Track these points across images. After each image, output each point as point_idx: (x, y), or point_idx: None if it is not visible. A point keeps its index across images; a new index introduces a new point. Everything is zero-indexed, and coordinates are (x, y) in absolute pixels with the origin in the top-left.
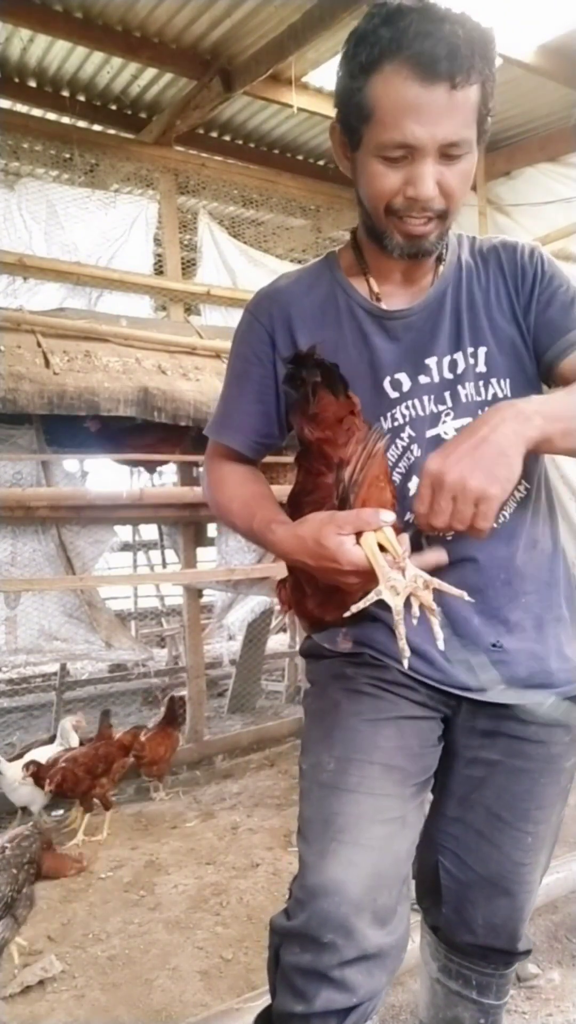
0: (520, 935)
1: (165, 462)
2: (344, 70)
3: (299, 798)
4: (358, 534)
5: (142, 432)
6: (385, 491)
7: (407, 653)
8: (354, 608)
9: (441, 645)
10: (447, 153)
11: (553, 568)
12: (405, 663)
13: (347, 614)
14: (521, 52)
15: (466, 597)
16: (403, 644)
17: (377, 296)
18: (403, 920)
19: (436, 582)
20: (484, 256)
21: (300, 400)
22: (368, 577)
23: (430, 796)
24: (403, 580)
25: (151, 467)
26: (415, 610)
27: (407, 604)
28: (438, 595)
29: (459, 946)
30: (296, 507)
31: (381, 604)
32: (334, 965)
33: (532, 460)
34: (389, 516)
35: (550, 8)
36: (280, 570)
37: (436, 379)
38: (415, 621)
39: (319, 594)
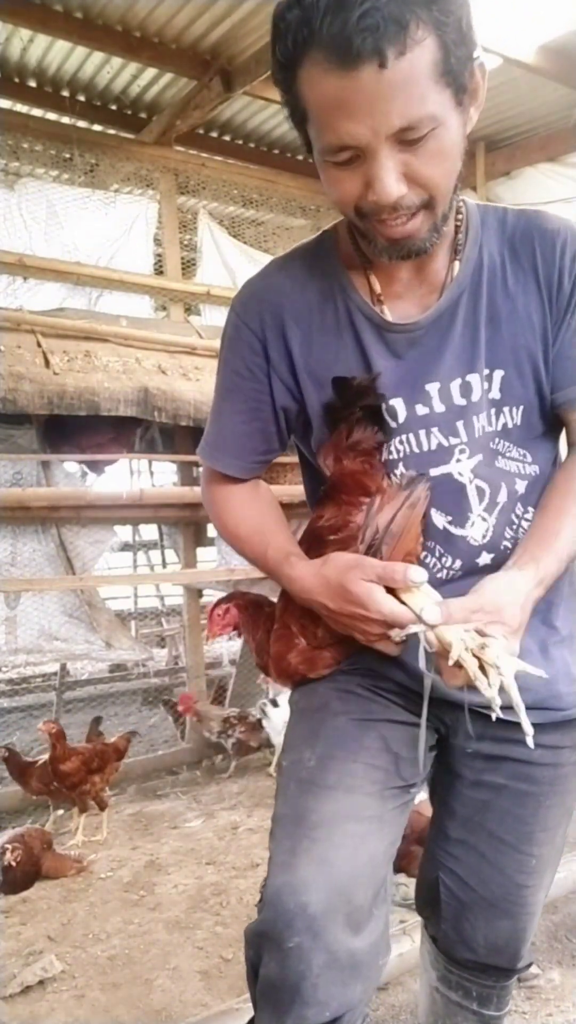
0: (522, 955)
1: (114, 461)
2: (271, 66)
3: (275, 796)
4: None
5: (92, 431)
6: (417, 548)
7: (499, 704)
8: (458, 681)
9: (495, 714)
10: (405, 139)
11: (558, 585)
12: (495, 715)
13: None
14: (521, 52)
15: (539, 673)
16: (497, 704)
17: (379, 298)
18: (380, 924)
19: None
20: (515, 248)
21: (344, 429)
22: (386, 628)
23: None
24: (471, 639)
25: (98, 467)
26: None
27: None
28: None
29: (458, 960)
30: (319, 543)
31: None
32: (301, 973)
33: (543, 447)
34: (421, 575)
35: (550, 8)
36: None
37: (441, 408)
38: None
39: (310, 648)
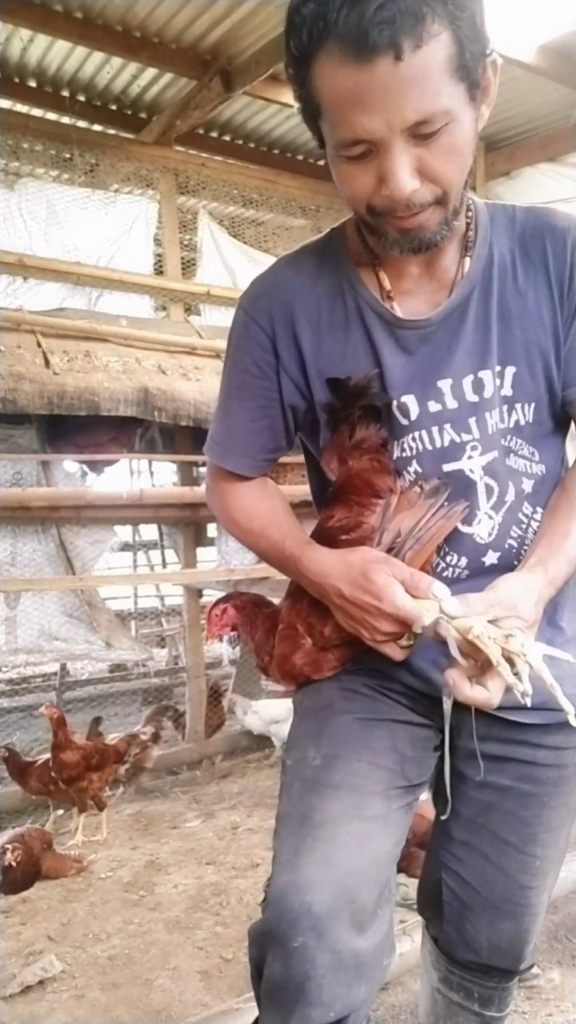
0: (525, 956)
1: (114, 461)
2: (285, 61)
3: (279, 794)
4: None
5: (91, 431)
6: (434, 557)
7: (530, 691)
8: (491, 689)
9: (527, 700)
10: (419, 133)
11: (564, 586)
12: (528, 700)
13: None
14: (521, 52)
15: (567, 657)
16: (527, 688)
17: (389, 295)
18: (384, 924)
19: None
20: (526, 245)
21: (346, 430)
22: (401, 629)
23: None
24: (493, 630)
25: (98, 467)
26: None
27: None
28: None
29: (460, 962)
30: (330, 543)
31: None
32: (306, 973)
33: (551, 446)
34: (444, 592)
35: (550, 8)
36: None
37: (454, 404)
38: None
39: (316, 649)
